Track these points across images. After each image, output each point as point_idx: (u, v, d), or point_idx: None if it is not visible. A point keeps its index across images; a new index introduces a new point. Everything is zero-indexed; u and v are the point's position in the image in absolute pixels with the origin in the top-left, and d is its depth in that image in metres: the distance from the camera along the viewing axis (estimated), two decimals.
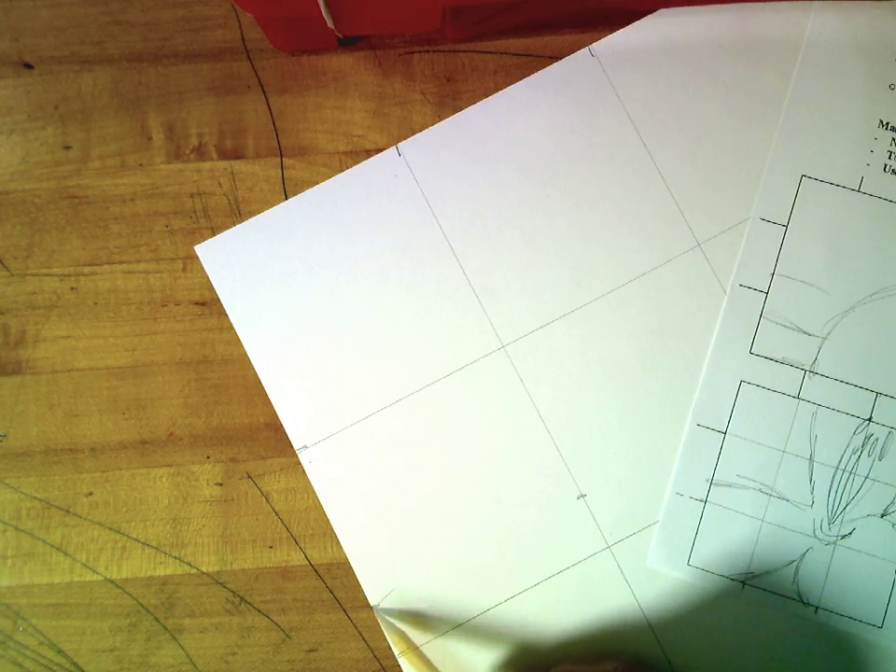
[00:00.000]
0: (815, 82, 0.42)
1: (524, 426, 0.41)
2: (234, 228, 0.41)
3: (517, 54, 0.42)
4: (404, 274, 0.41)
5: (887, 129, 0.41)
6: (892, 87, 0.41)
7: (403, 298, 0.41)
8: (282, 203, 0.42)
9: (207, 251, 0.41)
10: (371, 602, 0.40)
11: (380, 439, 0.41)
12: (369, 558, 0.40)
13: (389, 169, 0.42)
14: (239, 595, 0.40)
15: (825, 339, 0.40)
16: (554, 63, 0.42)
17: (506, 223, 0.41)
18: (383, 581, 0.40)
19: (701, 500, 0.40)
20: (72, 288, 0.42)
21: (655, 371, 0.41)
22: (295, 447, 0.41)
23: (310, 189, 0.42)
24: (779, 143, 0.41)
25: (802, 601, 0.39)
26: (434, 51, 0.43)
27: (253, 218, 0.42)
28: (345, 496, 0.40)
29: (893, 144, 0.41)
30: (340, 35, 0.41)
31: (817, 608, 0.39)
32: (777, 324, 0.41)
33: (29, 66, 0.42)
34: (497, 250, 0.41)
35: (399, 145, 0.42)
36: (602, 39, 0.42)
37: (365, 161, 0.42)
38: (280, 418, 0.41)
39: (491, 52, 0.42)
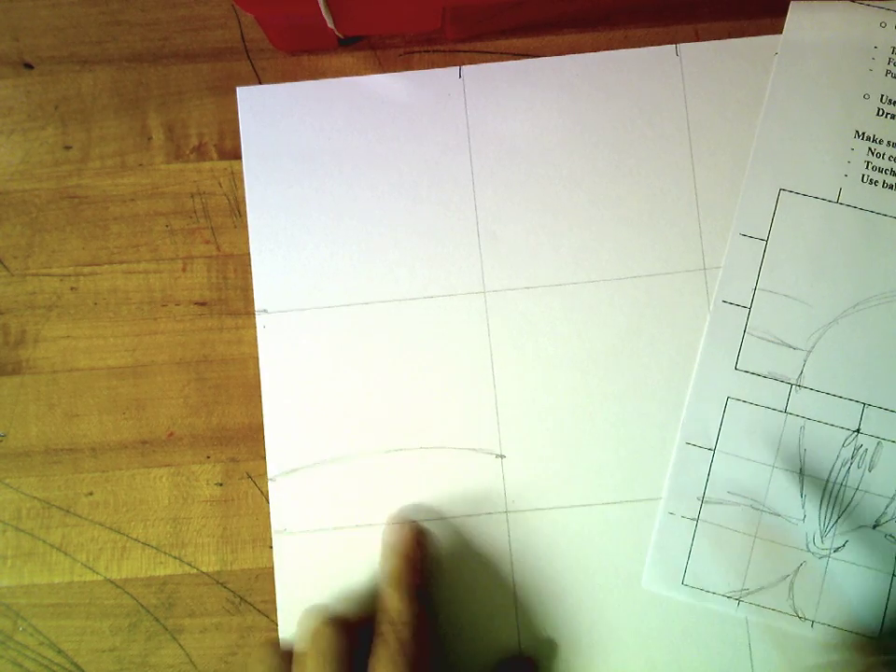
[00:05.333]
0: (789, 95, 0.41)
1: (473, 377, 0.41)
2: (283, 84, 0.42)
3: (517, 54, 0.42)
4: (420, 190, 0.41)
5: (863, 139, 0.41)
6: (867, 96, 0.41)
7: (408, 210, 0.41)
8: (334, 78, 0.42)
9: (248, 96, 0.42)
10: None
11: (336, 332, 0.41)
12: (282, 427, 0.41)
13: (446, 86, 0.42)
14: (239, 595, 0.40)
15: (810, 352, 0.40)
16: (641, 49, 0.42)
17: (533, 179, 0.41)
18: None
19: (693, 519, 0.40)
20: (72, 288, 0.42)
21: (635, 385, 0.40)
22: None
23: (363, 76, 0.42)
24: (756, 157, 0.41)
25: (798, 616, 0.39)
26: (434, 51, 0.43)
27: (300, 82, 0.42)
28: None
29: (870, 153, 0.41)
30: (340, 35, 0.41)
31: (813, 622, 0.39)
32: (762, 339, 0.40)
33: (29, 66, 0.42)
34: (515, 200, 0.41)
35: (463, 67, 0.42)
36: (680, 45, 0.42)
37: (427, 70, 0.42)
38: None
39: (491, 52, 0.42)
